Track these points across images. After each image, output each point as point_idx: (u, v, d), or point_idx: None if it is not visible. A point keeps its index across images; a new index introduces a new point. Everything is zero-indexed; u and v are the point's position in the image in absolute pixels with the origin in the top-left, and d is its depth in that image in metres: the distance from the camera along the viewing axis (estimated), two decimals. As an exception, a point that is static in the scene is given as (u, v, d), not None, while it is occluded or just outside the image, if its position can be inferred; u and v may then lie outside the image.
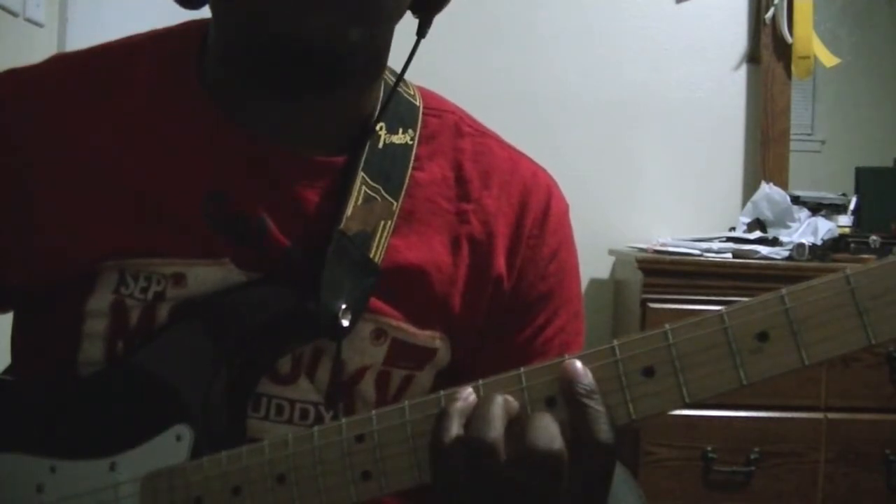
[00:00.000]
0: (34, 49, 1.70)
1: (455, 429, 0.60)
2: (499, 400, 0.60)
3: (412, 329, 0.77)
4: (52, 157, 0.76)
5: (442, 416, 0.61)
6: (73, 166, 0.76)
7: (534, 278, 0.82)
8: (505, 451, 0.58)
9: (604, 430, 0.58)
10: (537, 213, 0.83)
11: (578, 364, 0.60)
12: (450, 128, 0.83)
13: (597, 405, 0.59)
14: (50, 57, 0.84)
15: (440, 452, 0.60)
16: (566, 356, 0.61)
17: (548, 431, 0.58)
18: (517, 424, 0.59)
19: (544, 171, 0.87)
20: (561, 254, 0.84)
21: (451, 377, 0.77)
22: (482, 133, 0.85)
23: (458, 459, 0.59)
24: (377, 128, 0.79)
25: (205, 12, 0.78)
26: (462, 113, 0.86)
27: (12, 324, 0.82)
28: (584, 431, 0.58)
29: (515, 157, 0.85)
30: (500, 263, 0.80)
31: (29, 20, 1.70)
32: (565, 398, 0.59)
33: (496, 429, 0.58)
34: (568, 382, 0.59)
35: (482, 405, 0.60)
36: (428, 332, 0.78)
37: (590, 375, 0.59)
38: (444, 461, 0.60)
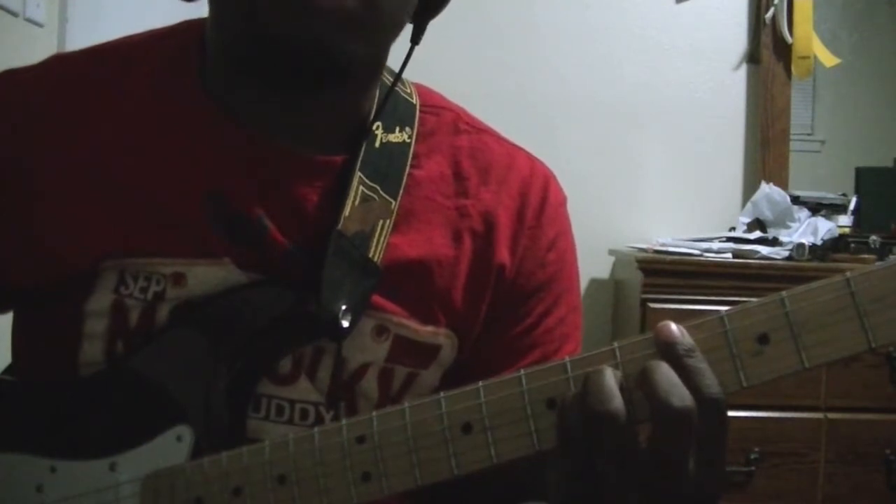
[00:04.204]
0: (34, 49, 1.70)
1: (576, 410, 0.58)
2: (608, 370, 0.58)
3: (415, 325, 0.77)
4: (52, 158, 0.76)
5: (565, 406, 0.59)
6: (73, 166, 0.76)
7: (533, 266, 0.82)
8: (631, 419, 0.57)
9: (712, 386, 0.57)
10: (536, 203, 0.83)
11: (674, 326, 0.59)
12: (447, 125, 0.84)
13: (699, 363, 0.57)
14: (49, 57, 0.84)
15: (566, 438, 0.59)
16: (567, 358, 0.61)
17: (678, 387, 0.56)
18: (628, 392, 0.58)
19: (542, 163, 0.87)
20: (559, 243, 0.84)
21: (458, 378, 0.77)
22: (479, 130, 0.85)
23: (585, 438, 0.58)
24: (374, 127, 0.79)
25: (204, 11, 0.78)
26: (459, 110, 0.86)
27: (12, 324, 0.82)
28: (693, 390, 0.57)
29: (513, 152, 0.85)
30: (503, 253, 0.80)
31: (29, 20, 1.69)
32: (667, 360, 0.58)
33: (616, 397, 0.57)
34: (667, 345, 0.58)
35: (594, 379, 0.58)
36: (430, 328, 0.78)
37: (688, 335, 0.58)
38: (572, 443, 0.59)
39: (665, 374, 0.57)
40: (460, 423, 0.62)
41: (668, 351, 0.58)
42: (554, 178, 0.87)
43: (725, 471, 0.60)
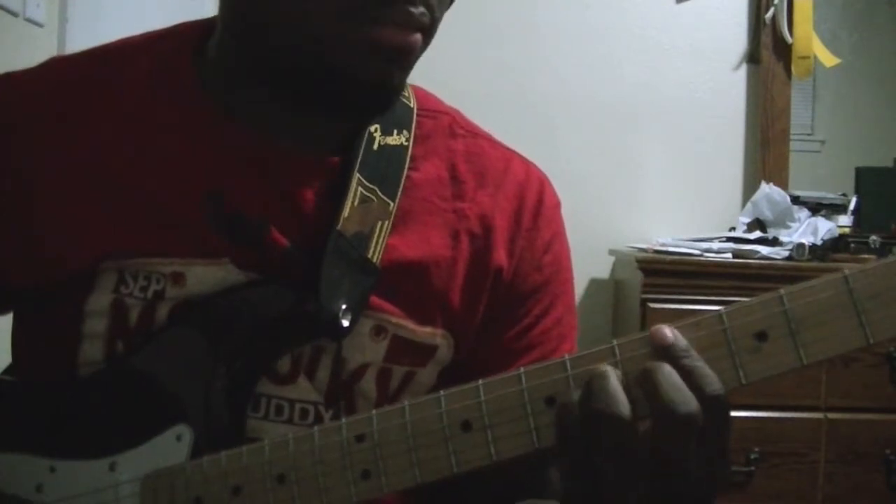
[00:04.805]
0: (34, 49, 1.70)
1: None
2: (611, 371, 0.58)
3: (412, 325, 0.77)
4: (52, 159, 0.76)
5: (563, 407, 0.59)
6: (73, 167, 0.76)
7: (530, 269, 0.82)
8: (636, 421, 0.57)
9: (713, 384, 0.57)
10: (532, 206, 0.84)
11: (667, 329, 0.58)
12: (443, 129, 0.84)
13: (696, 361, 0.57)
14: (47, 59, 0.84)
15: (564, 436, 0.59)
16: (566, 356, 0.61)
17: (681, 388, 0.56)
18: (629, 391, 0.58)
19: (536, 167, 0.88)
20: (555, 245, 0.85)
21: (455, 375, 0.77)
22: (474, 134, 0.86)
23: (583, 437, 0.58)
24: (372, 129, 0.79)
25: (202, 13, 0.78)
26: (456, 114, 0.87)
27: (12, 324, 0.82)
28: (695, 390, 0.56)
29: (508, 156, 0.86)
30: (501, 255, 0.81)
31: (29, 20, 1.69)
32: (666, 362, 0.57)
33: (623, 401, 0.57)
34: (663, 348, 0.58)
35: (598, 382, 0.58)
36: (428, 329, 0.78)
37: (681, 336, 0.58)
38: (572, 442, 0.58)
39: (667, 375, 0.57)
40: (460, 422, 0.62)
41: (666, 354, 0.58)
42: (548, 181, 0.88)
43: (727, 467, 0.60)
